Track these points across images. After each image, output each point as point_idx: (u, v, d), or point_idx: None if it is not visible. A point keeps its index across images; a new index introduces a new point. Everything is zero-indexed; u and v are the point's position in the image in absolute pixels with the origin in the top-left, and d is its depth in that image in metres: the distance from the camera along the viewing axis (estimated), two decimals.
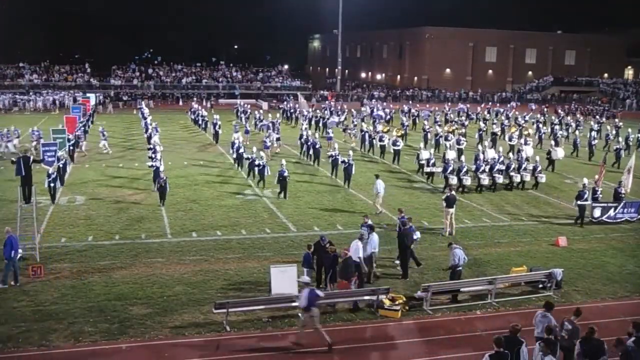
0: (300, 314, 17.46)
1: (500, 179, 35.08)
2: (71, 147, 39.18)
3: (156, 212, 28.25)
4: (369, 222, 22.09)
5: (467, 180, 34.08)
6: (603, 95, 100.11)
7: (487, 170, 34.84)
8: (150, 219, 27.61)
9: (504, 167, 35.48)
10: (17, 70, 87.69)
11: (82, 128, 46.07)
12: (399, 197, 32.85)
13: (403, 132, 50.50)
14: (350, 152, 36.43)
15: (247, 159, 36.32)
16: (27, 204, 23.63)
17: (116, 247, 23.84)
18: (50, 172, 28.85)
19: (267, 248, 24.14)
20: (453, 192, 27.23)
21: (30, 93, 78.61)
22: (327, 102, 77.76)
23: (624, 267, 23.40)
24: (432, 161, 36.82)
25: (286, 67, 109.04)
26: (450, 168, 34.16)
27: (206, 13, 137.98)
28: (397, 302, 18.86)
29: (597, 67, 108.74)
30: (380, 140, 44.94)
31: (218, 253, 23.48)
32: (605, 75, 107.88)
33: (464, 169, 34.32)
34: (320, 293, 16.92)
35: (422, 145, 42.58)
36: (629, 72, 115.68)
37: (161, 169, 31.37)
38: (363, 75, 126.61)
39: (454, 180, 33.39)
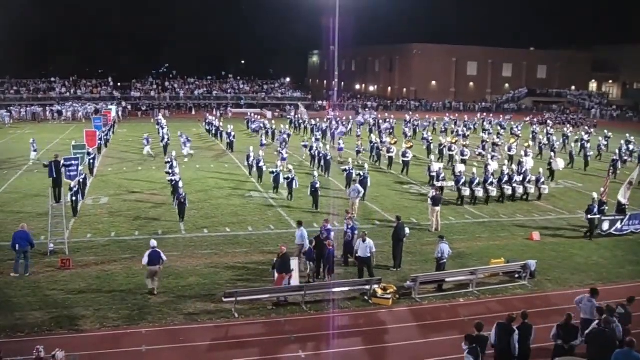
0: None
1: (509, 190, 32.24)
2: (92, 161, 36.60)
3: (172, 211, 28.12)
4: (328, 226, 21.62)
5: (479, 192, 31.45)
6: (571, 105, 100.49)
7: (495, 182, 32.27)
8: (166, 217, 27.57)
9: (507, 179, 32.67)
10: (48, 84, 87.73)
11: (105, 137, 45.24)
12: (391, 197, 32.82)
13: (412, 143, 45.40)
14: (366, 166, 33.84)
15: (272, 172, 32.97)
16: (57, 203, 23.70)
17: (136, 242, 23.83)
18: (72, 186, 26.37)
19: (272, 243, 24.07)
20: (439, 192, 27.16)
21: (66, 104, 78.71)
22: (332, 112, 74.32)
23: (589, 259, 23.44)
24: (442, 175, 33.25)
25: (288, 79, 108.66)
26: (462, 180, 31.52)
27: (217, 32, 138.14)
28: (388, 291, 18.85)
29: (565, 81, 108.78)
30: (388, 152, 41.42)
31: (227, 247, 23.46)
32: (573, 87, 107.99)
33: (476, 181, 31.66)
34: (163, 257, 18.89)
35: (432, 157, 40.17)
36: (593, 85, 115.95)
37: (180, 184, 28.05)
38: (357, 87, 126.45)
39: (466, 192, 31.28)
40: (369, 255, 19.99)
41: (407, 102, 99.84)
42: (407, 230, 22.33)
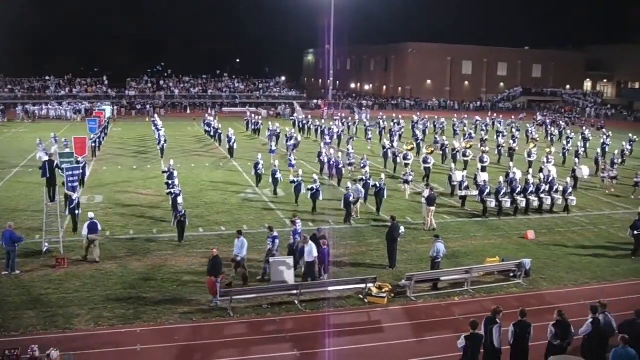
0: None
1: (536, 202, 29.56)
2: (81, 171, 32.18)
3: (167, 210, 27.95)
4: (275, 233, 20.60)
5: (507, 203, 28.83)
6: (566, 104, 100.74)
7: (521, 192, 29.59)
8: (161, 216, 27.51)
9: (534, 189, 29.84)
10: (43, 83, 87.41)
11: (97, 139, 43.55)
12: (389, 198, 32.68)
13: (433, 149, 41.98)
14: (383, 175, 30.45)
15: (292, 182, 29.92)
16: (52, 203, 23.63)
17: (131, 241, 23.81)
18: (73, 198, 24.36)
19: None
20: (434, 192, 27.12)
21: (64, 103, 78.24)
22: (337, 114, 69.16)
23: (584, 257, 23.50)
24: (465, 184, 30.58)
25: (283, 78, 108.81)
26: (487, 190, 29.00)
27: (212, 31, 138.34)
28: (383, 290, 18.87)
29: (560, 80, 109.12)
30: (405, 158, 38.21)
31: (222, 246, 23.26)
32: (567, 86, 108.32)
33: (502, 191, 28.89)
34: (99, 226, 21.73)
35: (453, 166, 36.11)
36: (588, 85, 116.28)
37: (179, 201, 25.30)
38: (352, 85, 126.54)
39: (492, 203, 28.76)
40: (311, 260, 19.51)
41: (402, 101, 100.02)
42: (402, 229, 22.34)
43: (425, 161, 36.48)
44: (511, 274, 20.95)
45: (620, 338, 12.91)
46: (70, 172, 24.89)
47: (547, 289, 20.17)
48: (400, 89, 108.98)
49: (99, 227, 21.86)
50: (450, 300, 19.14)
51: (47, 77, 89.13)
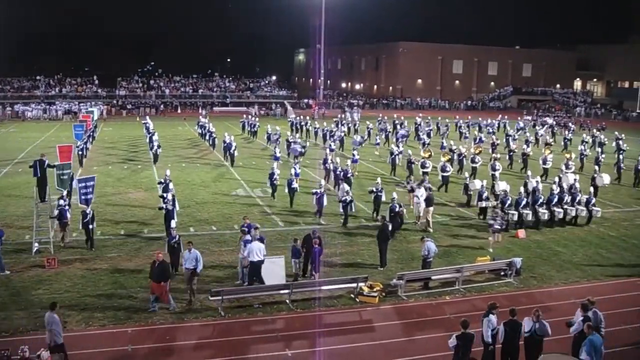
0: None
1: (561, 213, 27.44)
2: (70, 183, 27.15)
3: (157, 210, 27.79)
4: (248, 237, 19.52)
5: (529, 216, 26.85)
6: (556, 103, 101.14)
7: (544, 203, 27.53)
8: (151, 215, 27.40)
9: (557, 199, 27.68)
10: (33, 82, 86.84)
11: (84, 146, 41.54)
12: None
13: (449, 156, 38.48)
14: (395, 195, 26.26)
15: (315, 193, 27.50)
16: (42, 203, 23.51)
17: (121, 241, 23.73)
18: (87, 211, 22.69)
19: None
20: (431, 192, 27.04)
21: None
22: (339, 116, 66.71)
23: (574, 256, 23.57)
24: (484, 194, 28.37)
25: (274, 78, 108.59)
26: (509, 202, 27.01)
27: (203, 30, 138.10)
28: (374, 289, 18.90)
29: (550, 79, 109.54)
30: (423, 167, 34.78)
31: (213, 246, 23.37)
32: (558, 86, 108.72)
33: (523, 202, 26.92)
34: (68, 215, 22.89)
35: (467, 174, 33.78)
36: (578, 84, 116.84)
37: (172, 224, 22.04)
38: (343, 85, 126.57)
39: (514, 216, 26.61)
40: (260, 258, 18.97)
41: (393, 100, 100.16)
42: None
43: (443, 169, 33.80)
44: (502, 273, 21.02)
45: (587, 326, 13.27)
46: (84, 184, 24.17)
47: (537, 288, 20.25)
48: (391, 88, 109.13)
49: (69, 215, 22.87)
50: (441, 300, 19.18)
51: (37, 77, 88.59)
